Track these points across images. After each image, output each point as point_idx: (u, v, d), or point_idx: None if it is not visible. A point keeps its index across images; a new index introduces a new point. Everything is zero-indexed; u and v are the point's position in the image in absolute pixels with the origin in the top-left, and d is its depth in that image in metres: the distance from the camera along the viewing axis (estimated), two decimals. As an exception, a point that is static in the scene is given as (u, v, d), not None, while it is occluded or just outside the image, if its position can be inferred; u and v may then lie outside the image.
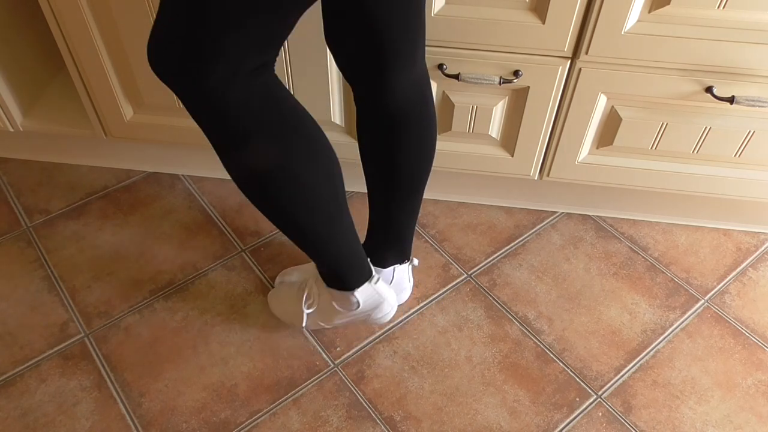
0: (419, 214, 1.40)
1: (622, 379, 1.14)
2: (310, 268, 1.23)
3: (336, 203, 0.89)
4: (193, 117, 0.79)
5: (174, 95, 1.22)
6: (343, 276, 1.00)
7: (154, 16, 1.09)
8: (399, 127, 0.93)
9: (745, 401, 1.12)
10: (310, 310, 1.09)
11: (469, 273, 1.30)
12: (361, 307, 1.03)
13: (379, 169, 1.00)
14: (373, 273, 1.03)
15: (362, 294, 1.02)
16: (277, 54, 0.76)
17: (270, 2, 0.67)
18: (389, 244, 1.11)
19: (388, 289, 1.06)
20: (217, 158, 1.43)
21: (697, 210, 1.38)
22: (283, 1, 0.68)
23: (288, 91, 0.81)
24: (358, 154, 1.15)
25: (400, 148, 0.95)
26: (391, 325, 1.21)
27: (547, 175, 1.27)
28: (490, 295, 1.26)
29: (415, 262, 1.18)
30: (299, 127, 0.81)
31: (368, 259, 1.03)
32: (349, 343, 1.18)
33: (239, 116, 0.76)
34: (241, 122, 0.77)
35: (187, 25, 0.69)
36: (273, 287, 1.25)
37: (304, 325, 1.12)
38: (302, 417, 1.08)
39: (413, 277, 1.27)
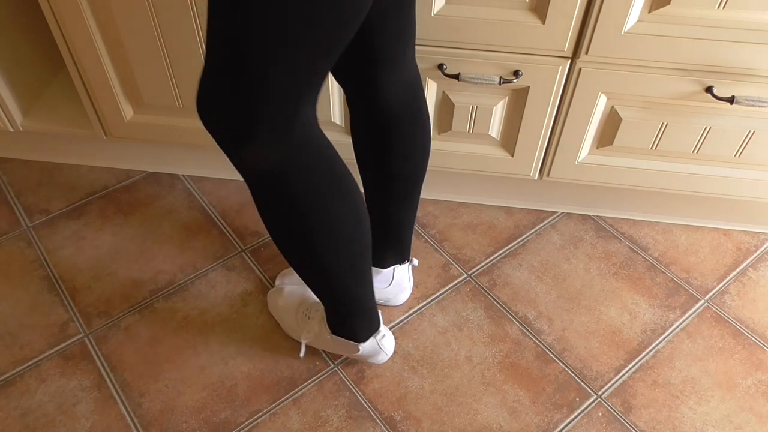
0: (419, 214, 1.40)
1: (622, 379, 1.14)
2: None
3: (364, 255, 0.90)
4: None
5: (173, 95, 1.22)
6: (354, 328, 1.03)
7: (156, 19, 1.09)
8: (392, 128, 0.93)
9: (745, 401, 1.12)
10: (306, 340, 1.11)
11: (469, 273, 1.30)
12: (359, 353, 1.06)
13: (375, 170, 1.00)
14: (380, 327, 1.06)
15: (365, 346, 1.05)
16: (316, 102, 0.76)
17: (312, 43, 0.66)
18: (388, 244, 1.11)
19: (390, 342, 1.10)
20: (217, 158, 1.43)
21: (697, 210, 1.38)
22: (327, 37, 0.67)
23: (329, 141, 0.81)
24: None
25: (394, 149, 0.96)
26: (391, 325, 1.21)
27: (547, 175, 1.27)
28: (490, 295, 1.26)
29: (415, 262, 1.19)
30: (336, 174, 0.81)
31: (374, 268, 1.03)
32: (349, 343, 1.18)
33: (282, 163, 0.76)
34: (283, 167, 0.76)
35: (234, 76, 0.67)
36: (273, 287, 1.25)
37: (301, 355, 1.14)
38: (302, 417, 1.08)
39: (413, 277, 1.27)
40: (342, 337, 1.04)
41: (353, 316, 1.00)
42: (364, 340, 1.04)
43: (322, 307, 1.09)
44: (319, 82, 0.72)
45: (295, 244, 0.85)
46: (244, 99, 0.69)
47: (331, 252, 0.85)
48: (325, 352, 1.16)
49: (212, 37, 0.67)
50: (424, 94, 0.96)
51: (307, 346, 1.16)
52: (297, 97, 0.70)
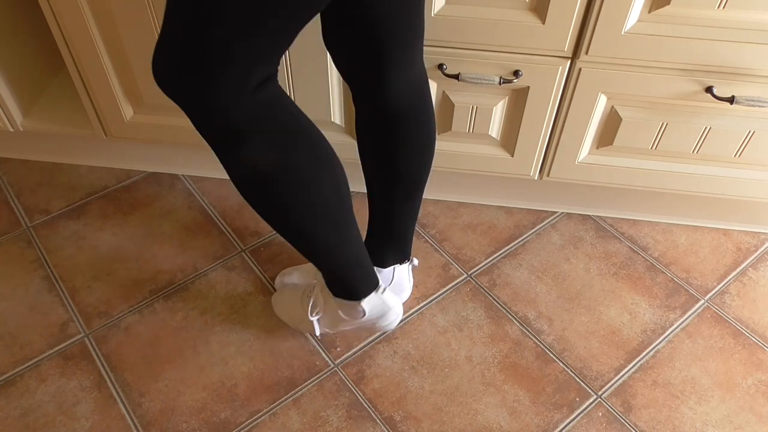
0: (419, 214, 1.40)
1: (622, 379, 1.14)
2: (312, 268, 1.23)
3: (342, 211, 0.87)
4: (195, 125, 0.78)
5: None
6: (351, 286, 1.00)
7: (156, 19, 1.09)
8: (398, 127, 0.93)
9: (745, 401, 1.12)
10: (317, 317, 1.09)
11: (469, 273, 1.30)
12: (366, 315, 1.03)
13: (379, 170, 1.00)
14: (380, 282, 1.03)
15: (368, 303, 1.02)
16: (278, 64, 0.75)
17: (279, 9, 0.66)
18: (389, 244, 1.11)
19: (394, 297, 1.06)
20: (217, 158, 1.43)
21: (697, 210, 1.38)
22: (293, 7, 0.67)
23: (291, 100, 0.80)
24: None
25: (399, 149, 0.95)
26: (391, 325, 1.21)
27: (547, 175, 1.27)
28: (490, 295, 1.26)
29: (415, 262, 1.18)
30: (302, 133, 0.80)
31: (374, 268, 1.02)
32: (349, 343, 1.18)
33: (244, 127, 0.75)
34: (246, 130, 0.75)
35: (192, 37, 0.68)
36: (273, 287, 1.25)
37: (317, 334, 1.12)
38: (302, 417, 1.08)
39: (413, 277, 1.27)
40: (343, 298, 1.02)
41: (347, 273, 0.97)
42: (365, 296, 1.01)
43: (318, 280, 1.07)
44: (276, 44, 0.70)
45: (269, 211, 0.84)
46: (195, 59, 0.68)
47: (306, 215, 0.84)
48: (324, 351, 1.16)
49: (167, 4, 0.67)
50: (431, 96, 0.95)
51: (309, 333, 1.16)
52: (252, 56, 0.70)
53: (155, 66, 0.73)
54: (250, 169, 0.79)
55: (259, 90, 0.74)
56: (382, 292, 1.03)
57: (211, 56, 0.68)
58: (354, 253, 0.95)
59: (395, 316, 1.06)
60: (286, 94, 0.79)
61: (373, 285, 1.01)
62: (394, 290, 1.19)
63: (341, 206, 0.87)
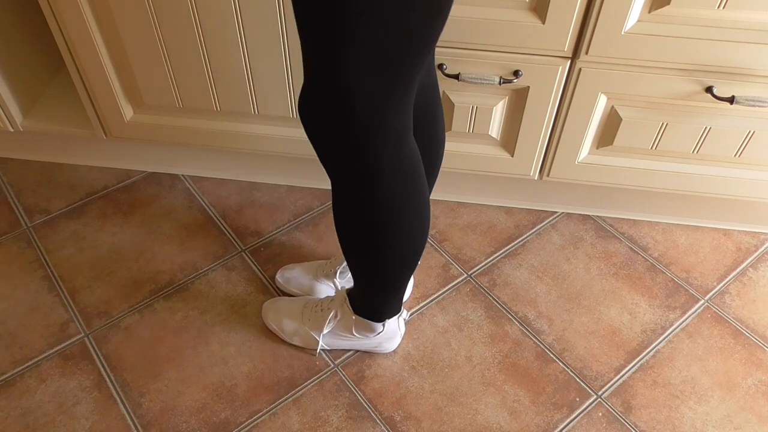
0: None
1: (622, 379, 1.14)
2: (313, 265, 1.23)
3: (419, 256, 0.93)
4: (326, 166, 0.81)
5: (173, 95, 1.22)
6: (380, 310, 1.04)
7: (156, 19, 1.09)
8: None
9: (745, 401, 1.12)
10: (326, 331, 1.11)
11: (469, 273, 1.30)
12: (380, 335, 1.08)
13: None
14: (402, 308, 1.08)
15: (388, 325, 1.07)
16: (410, 115, 0.78)
17: (419, 48, 0.69)
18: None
19: (404, 324, 1.14)
20: (217, 158, 1.43)
21: (697, 210, 1.38)
22: (426, 45, 0.70)
23: (420, 161, 0.84)
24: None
25: None
26: (391, 325, 1.21)
27: (547, 175, 1.27)
28: (490, 295, 1.26)
29: (416, 262, 1.19)
30: (420, 193, 0.85)
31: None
32: (349, 343, 1.18)
33: (375, 174, 0.79)
34: (377, 173, 0.79)
35: (324, 81, 0.70)
36: (273, 287, 1.25)
37: (318, 350, 1.14)
38: (302, 417, 1.08)
39: (413, 277, 1.27)
40: (366, 317, 1.06)
41: (385, 302, 1.02)
42: (388, 318, 1.06)
43: (338, 296, 1.09)
44: (412, 82, 0.73)
45: (365, 245, 0.89)
46: (339, 98, 0.71)
47: (395, 257, 0.90)
48: (325, 352, 1.16)
49: (306, 44, 0.69)
50: (440, 102, 0.96)
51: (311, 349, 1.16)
52: (388, 98, 0.72)
53: (300, 107, 0.76)
54: (374, 207, 0.83)
55: (394, 135, 0.77)
56: (405, 318, 1.10)
57: (343, 99, 0.71)
58: (404, 289, 1.02)
59: (398, 341, 1.14)
60: (417, 149, 0.83)
61: (397, 310, 1.07)
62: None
63: (419, 257, 0.94)
